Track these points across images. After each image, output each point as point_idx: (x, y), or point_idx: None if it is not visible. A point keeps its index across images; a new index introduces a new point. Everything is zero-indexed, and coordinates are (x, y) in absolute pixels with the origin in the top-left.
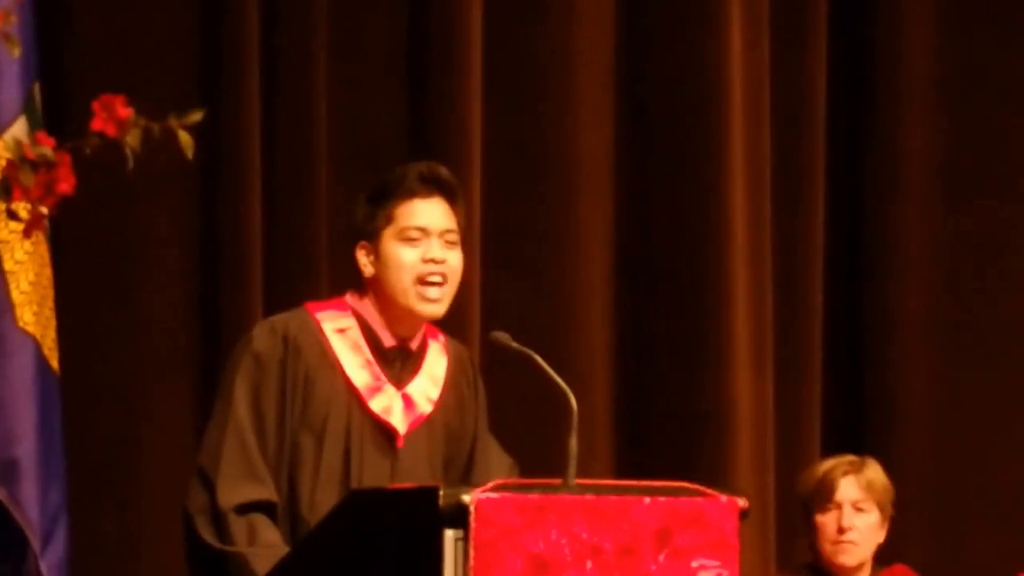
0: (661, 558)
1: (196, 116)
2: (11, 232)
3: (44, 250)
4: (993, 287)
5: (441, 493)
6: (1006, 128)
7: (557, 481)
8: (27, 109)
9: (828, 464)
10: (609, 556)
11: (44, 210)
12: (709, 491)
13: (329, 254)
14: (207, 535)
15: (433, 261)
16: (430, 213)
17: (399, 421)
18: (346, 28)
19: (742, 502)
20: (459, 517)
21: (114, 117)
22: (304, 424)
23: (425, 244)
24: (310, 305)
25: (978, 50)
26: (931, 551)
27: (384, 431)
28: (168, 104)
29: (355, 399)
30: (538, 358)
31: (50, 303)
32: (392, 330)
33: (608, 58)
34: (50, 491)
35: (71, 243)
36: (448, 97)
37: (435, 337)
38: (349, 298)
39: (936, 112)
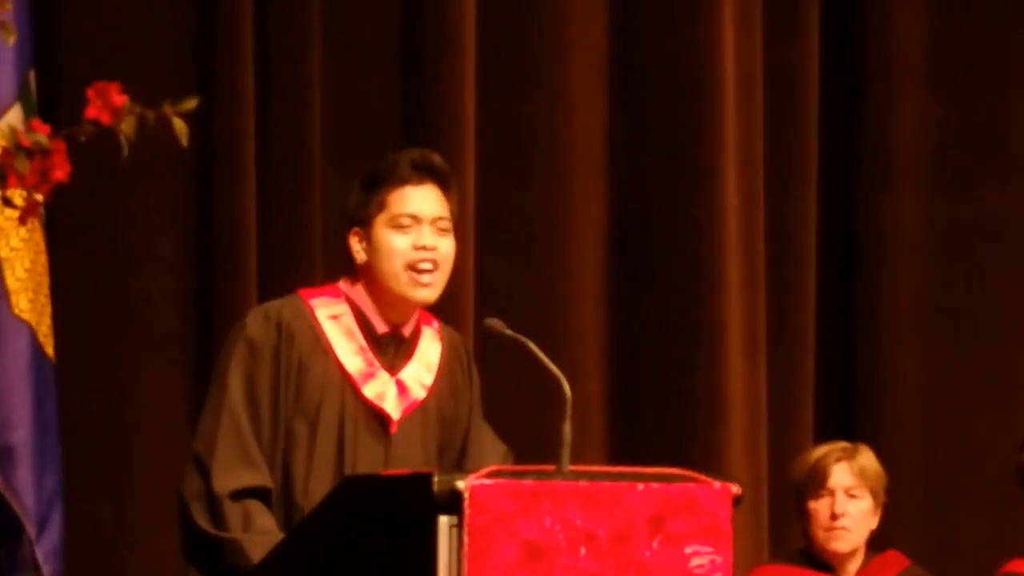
0: (655, 544)
1: (190, 103)
2: (6, 219)
3: (39, 237)
4: (985, 275)
5: (435, 479)
6: (999, 116)
7: (551, 467)
8: (22, 97)
9: (821, 451)
10: (603, 542)
11: (39, 197)
12: (702, 477)
13: (323, 241)
14: (202, 521)
15: (424, 248)
16: (422, 200)
17: (392, 407)
18: (340, 14)
19: (735, 488)
20: (453, 503)
21: (109, 104)
22: (298, 410)
23: (417, 231)
24: (304, 292)
25: (970, 38)
26: (923, 537)
27: (378, 417)
28: (162, 91)
29: (348, 385)
30: (532, 345)
31: (45, 290)
32: (385, 316)
33: (601, 43)
34: (45, 478)
35: (66, 230)
36: (442, 83)
37: (429, 323)
38: (342, 284)
39: (929, 100)
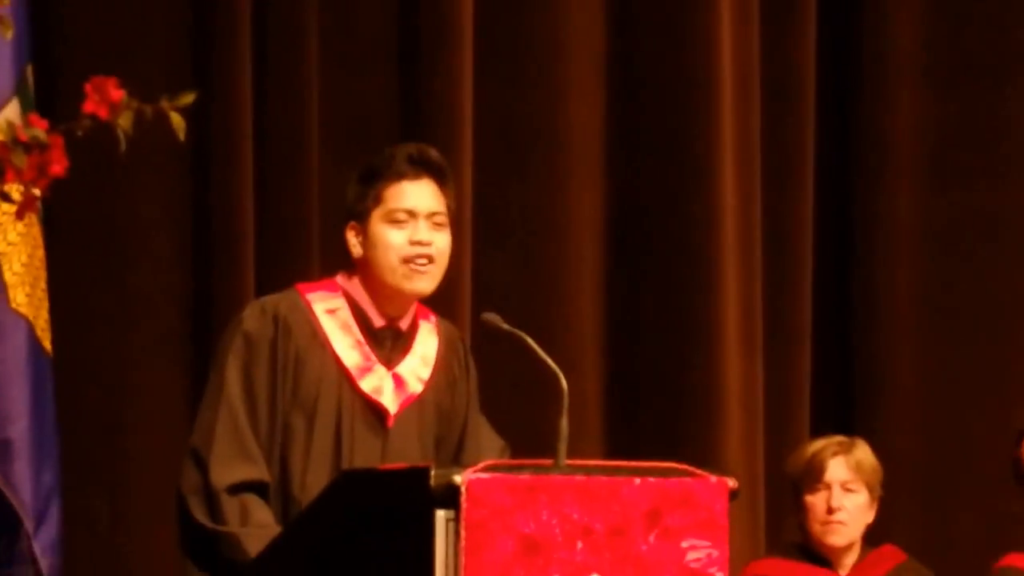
0: (651, 538)
1: (188, 98)
2: (4, 214)
3: (37, 231)
4: (981, 272)
5: (432, 473)
6: (995, 113)
7: (548, 462)
8: (20, 91)
9: (817, 445)
10: (599, 536)
11: (37, 192)
12: (699, 472)
13: (320, 236)
14: (200, 515)
15: (420, 243)
16: (418, 195)
17: (390, 401)
18: (338, 10)
19: (732, 482)
20: (450, 497)
21: (106, 99)
22: (295, 404)
23: (412, 226)
24: (301, 286)
25: (967, 35)
26: (920, 531)
27: (375, 411)
28: (160, 86)
29: (345, 379)
30: (529, 339)
31: (43, 284)
32: (381, 310)
33: (599, 37)
34: (43, 472)
35: (64, 224)
36: (440, 77)
37: (426, 318)
38: (340, 279)
39: (925, 94)
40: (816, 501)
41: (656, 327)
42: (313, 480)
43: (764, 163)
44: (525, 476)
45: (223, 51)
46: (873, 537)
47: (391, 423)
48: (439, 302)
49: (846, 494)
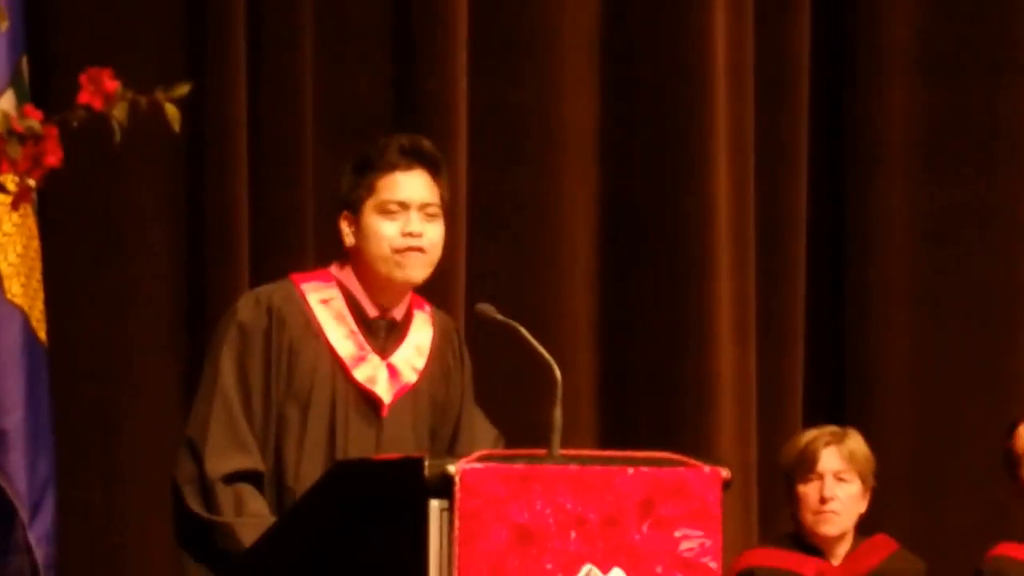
0: (644, 528)
1: (183, 89)
2: None
3: (32, 222)
4: (974, 262)
5: (426, 463)
6: (989, 103)
7: (542, 452)
8: (14, 82)
9: (810, 435)
10: (593, 526)
11: (32, 182)
12: (692, 461)
13: (315, 226)
14: (194, 505)
15: (412, 235)
16: (410, 186)
17: (384, 390)
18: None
19: (725, 472)
20: (444, 487)
21: (101, 90)
22: (289, 394)
23: (404, 217)
24: (295, 276)
25: (961, 24)
26: (912, 521)
27: (369, 401)
28: (155, 77)
29: (339, 369)
30: (523, 329)
31: (38, 275)
32: (375, 300)
33: (593, 28)
34: (38, 462)
35: (59, 215)
36: (434, 68)
37: (421, 308)
38: (334, 269)
39: (919, 86)
40: (809, 491)
41: (649, 317)
42: (307, 470)
43: (757, 155)
44: (519, 466)
45: (218, 42)
46: (866, 527)
47: (385, 413)
48: (433, 292)
49: (839, 484)
